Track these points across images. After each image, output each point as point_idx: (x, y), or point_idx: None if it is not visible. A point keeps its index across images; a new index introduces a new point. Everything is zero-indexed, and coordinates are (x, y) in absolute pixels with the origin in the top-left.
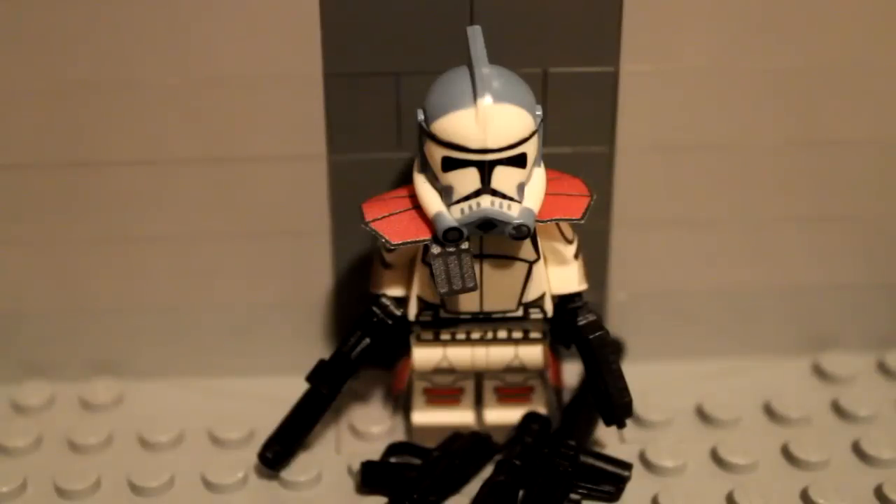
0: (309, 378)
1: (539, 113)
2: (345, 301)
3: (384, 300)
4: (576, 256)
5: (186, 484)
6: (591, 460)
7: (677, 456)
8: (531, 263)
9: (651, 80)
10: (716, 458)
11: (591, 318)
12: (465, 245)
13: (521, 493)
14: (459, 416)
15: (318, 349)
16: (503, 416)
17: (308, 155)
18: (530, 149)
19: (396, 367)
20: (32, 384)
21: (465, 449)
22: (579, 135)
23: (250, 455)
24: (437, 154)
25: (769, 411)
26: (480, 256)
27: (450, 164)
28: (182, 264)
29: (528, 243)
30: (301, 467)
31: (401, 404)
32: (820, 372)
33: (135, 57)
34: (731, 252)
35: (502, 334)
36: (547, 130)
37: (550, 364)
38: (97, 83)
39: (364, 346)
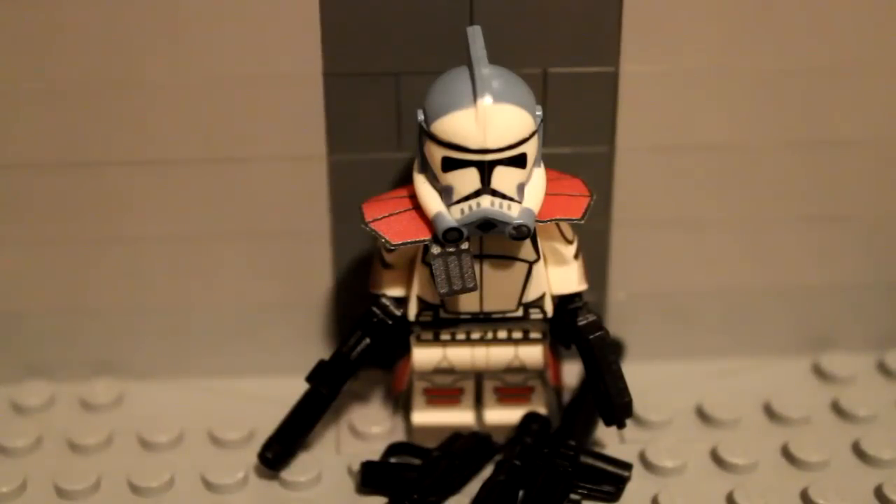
0: (309, 378)
1: (539, 113)
2: (345, 301)
3: (384, 300)
4: (576, 257)
5: (186, 484)
6: (591, 460)
7: (677, 456)
8: (531, 264)
9: (651, 80)
10: (716, 458)
11: (591, 318)
12: (465, 245)
13: (521, 493)
14: (459, 416)
15: (318, 349)
16: (503, 416)
17: (308, 155)
18: (530, 149)
19: (396, 367)
20: (32, 384)
21: (465, 449)
22: (579, 135)
23: (250, 455)
24: (436, 154)
25: (769, 411)
26: (480, 257)
27: (450, 165)
28: (182, 264)
29: (528, 243)
30: (301, 467)
31: (401, 404)
32: (820, 372)
33: (135, 57)
34: (731, 252)
35: (502, 334)
36: (547, 130)
37: (550, 364)
38: (97, 83)
39: (364, 346)
